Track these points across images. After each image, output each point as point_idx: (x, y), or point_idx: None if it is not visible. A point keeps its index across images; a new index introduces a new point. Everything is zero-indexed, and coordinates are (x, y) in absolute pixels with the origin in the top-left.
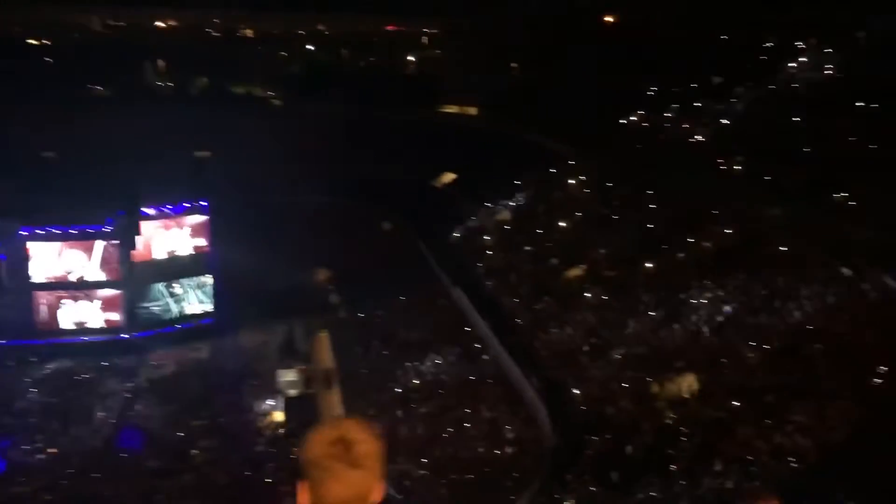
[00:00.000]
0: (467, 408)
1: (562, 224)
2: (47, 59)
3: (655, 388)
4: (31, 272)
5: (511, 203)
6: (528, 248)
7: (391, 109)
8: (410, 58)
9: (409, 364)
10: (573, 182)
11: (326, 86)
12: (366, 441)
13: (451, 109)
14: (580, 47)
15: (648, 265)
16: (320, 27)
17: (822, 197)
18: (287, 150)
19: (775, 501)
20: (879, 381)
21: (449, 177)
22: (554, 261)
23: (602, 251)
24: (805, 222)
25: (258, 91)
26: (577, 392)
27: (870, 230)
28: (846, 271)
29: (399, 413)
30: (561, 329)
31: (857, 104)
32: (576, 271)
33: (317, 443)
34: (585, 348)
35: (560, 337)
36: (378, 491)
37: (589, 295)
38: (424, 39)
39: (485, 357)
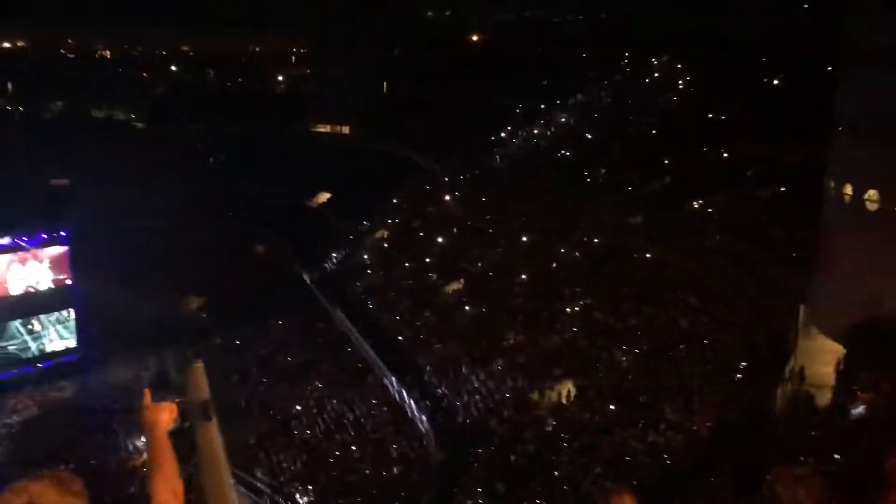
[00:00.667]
0: (352, 430)
1: (438, 239)
2: None
3: (536, 397)
4: None
5: (387, 220)
6: (406, 264)
7: (261, 130)
8: (279, 77)
9: (289, 390)
10: (447, 198)
11: (192, 107)
12: (61, 502)
13: (324, 128)
14: (448, 65)
15: (523, 276)
16: (184, 47)
17: (681, 205)
18: (152, 175)
19: (628, 496)
20: (740, 376)
21: (323, 196)
22: (432, 276)
23: (478, 264)
24: (665, 229)
25: (119, 114)
26: (461, 405)
27: (727, 235)
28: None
29: (282, 440)
30: (442, 343)
31: (709, 115)
32: (454, 285)
33: None
34: (467, 361)
35: (442, 351)
36: None
37: (468, 308)
38: (293, 58)
39: (368, 377)
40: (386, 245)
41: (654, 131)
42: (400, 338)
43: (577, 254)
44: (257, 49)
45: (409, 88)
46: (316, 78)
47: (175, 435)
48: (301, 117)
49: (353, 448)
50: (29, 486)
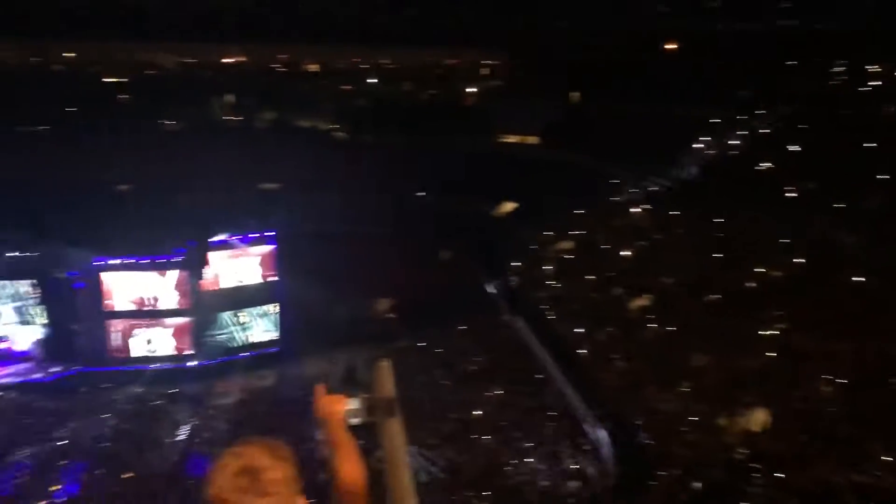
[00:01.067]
0: (529, 440)
1: (624, 253)
2: (122, 95)
3: (724, 422)
4: (104, 301)
5: (572, 231)
6: (590, 276)
7: (451, 140)
8: (470, 89)
9: (469, 394)
10: (636, 210)
11: (389, 118)
12: (273, 467)
13: (511, 139)
14: (641, 74)
15: (715, 295)
16: (383, 61)
17: None
18: (351, 182)
19: None
20: None
21: (509, 206)
22: (617, 290)
23: (667, 280)
24: (879, 251)
25: (322, 124)
26: (643, 425)
27: None
28: None
29: (461, 443)
30: (625, 360)
31: None
32: (640, 301)
33: (221, 476)
34: (650, 380)
35: (624, 368)
36: None
37: (654, 325)
38: (484, 71)
39: (546, 388)
40: (570, 256)
41: (869, 143)
42: (580, 351)
43: (777, 273)
44: (451, 62)
45: (599, 98)
46: (505, 89)
47: (361, 428)
48: (489, 128)
49: (530, 458)
50: (245, 451)
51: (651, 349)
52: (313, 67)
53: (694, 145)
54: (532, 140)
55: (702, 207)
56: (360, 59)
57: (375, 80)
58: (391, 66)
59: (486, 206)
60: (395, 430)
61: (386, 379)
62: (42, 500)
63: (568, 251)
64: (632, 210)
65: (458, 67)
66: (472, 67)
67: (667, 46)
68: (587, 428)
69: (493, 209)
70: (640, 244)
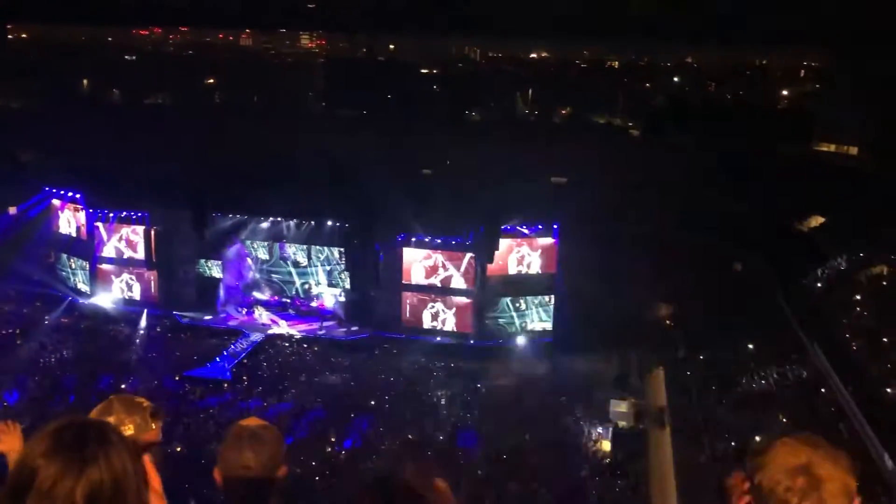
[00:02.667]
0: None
1: None
2: (435, 86)
3: None
4: (402, 274)
5: (890, 256)
6: None
7: (757, 144)
8: (785, 91)
9: (750, 417)
10: None
11: (688, 118)
12: (836, 478)
13: (827, 148)
14: None
15: None
16: (688, 59)
17: None
18: (640, 182)
19: None
20: None
21: (817, 220)
22: None
23: None
24: None
25: (618, 121)
26: None
27: None
28: None
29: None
30: None
31: None
32: None
33: (777, 469)
34: None
35: None
36: None
37: None
38: (801, 73)
39: (841, 426)
40: (884, 283)
41: None
42: (888, 391)
43: None
44: (764, 63)
45: None
46: (825, 94)
47: (628, 432)
48: (803, 135)
49: None
50: (803, 449)
51: None
52: (614, 64)
53: None
54: (852, 150)
55: None
56: (662, 56)
57: (677, 79)
58: (695, 65)
59: (789, 218)
60: (663, 441)
61: (659, 387)
62: (328, 448)
63: (883, 277)
64: None
65: (772, 67)
66: (788, 68)
67: None
68: (886, 474)
69: (797, 221)
70: None
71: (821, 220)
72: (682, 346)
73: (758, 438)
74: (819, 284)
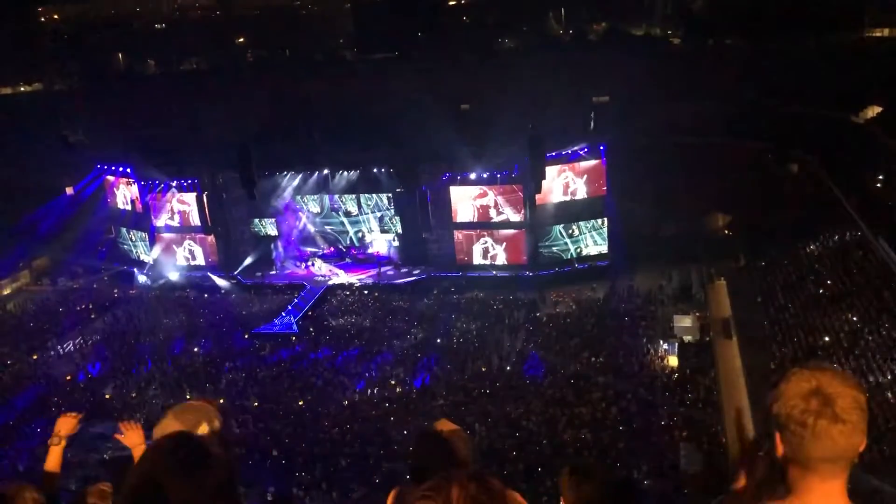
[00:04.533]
0: (885, 375)
1: None
2: (464, 17)
3: None
4: (452, 213)
5: None
6: None
7: (805, 36)
8: None
9: (818, 320)
10: None
11: (729, 18)
12: (846, 394)
13: (881, 33)
14: None
15: None
16: None
17: None
18: (685, 91)
19: None
20: None
21: (873, 111)
22: None
23: None
24: None
25: (657, 31)
26: None
27: None
28: None
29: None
30: None
31: None
32: None
33: (791, 396)
34: None
35: None
36: (862, 445)
37: None
38: None
39: None
40: None
41: None
42: None
43: None
44: None
45: None
46: None
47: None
48: (855, 20)
49: (889, 395)
50: (814, 374)
51: None
52: None
53: None
54: None
55: None
56: None
57: None
58: None
59: (843, 112)
60: (730, 352)
61: (722, 298)
62: (399, 388)
63: None
64: None
65: None
66: None
67: None
68: None
69: (853, 115)
70: None
71: (877, 109)
72: (742, 255)
73: (826, 339)
74: (880, 177)
